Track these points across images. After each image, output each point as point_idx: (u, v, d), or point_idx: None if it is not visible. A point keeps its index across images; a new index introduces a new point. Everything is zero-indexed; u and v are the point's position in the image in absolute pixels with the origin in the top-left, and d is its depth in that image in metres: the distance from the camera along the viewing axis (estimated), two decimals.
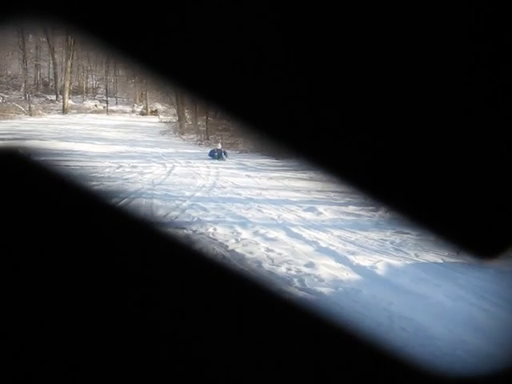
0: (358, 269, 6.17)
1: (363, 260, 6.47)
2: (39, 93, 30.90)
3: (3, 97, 28.39)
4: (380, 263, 6.34)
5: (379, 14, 0.59)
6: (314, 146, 0.61)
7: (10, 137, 19.38)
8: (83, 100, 31.88)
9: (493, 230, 0.64)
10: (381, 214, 9.00)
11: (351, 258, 6.56)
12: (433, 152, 0.61)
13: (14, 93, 29.46)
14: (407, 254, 6.79)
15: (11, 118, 25.06)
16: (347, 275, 5.98)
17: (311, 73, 0.59)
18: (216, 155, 15.73)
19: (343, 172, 0.62)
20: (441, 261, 6.45)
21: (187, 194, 10.93)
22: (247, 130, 0.62)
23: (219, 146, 16.38)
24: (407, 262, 6.46)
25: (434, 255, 6.64)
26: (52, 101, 30.38)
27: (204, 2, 0.58)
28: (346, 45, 0.59)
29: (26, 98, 28.69)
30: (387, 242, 7.38)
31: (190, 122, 24.80)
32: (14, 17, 0.57)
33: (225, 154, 15.81)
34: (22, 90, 29.78)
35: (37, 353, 0.57)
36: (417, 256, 6.67)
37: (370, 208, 9.32)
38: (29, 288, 0.57)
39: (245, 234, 7.73)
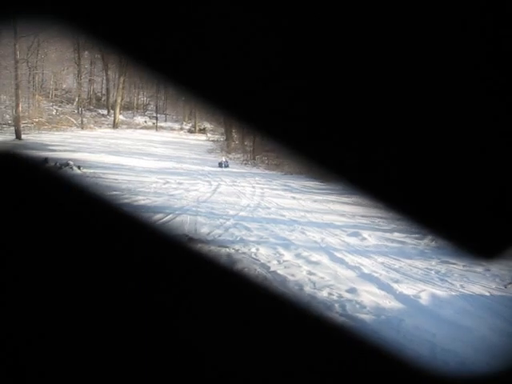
0: (401, 297, 6.06)
1: (407, 289, 6.36)
2: (91, 107, 31.61)
3: (57, 109, 29.16)
4: (424, 293, 6.21)
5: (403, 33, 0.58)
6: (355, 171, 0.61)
7: (61, 148, 19.84)
8: (133, 116, 32.48)
9: (492, 229, 0.63)
10: (426, 242, 8.86)
11: (394, 285, 6.46)
12: (434, 153, 0.61)
13: (68, 106, 30.23)
14: (452, 284, 6.65)
15: (63, 131, 25.70)
16: (390, 303, 5.88)
17: (353, 100, 0.59)
18: (223, 165, 20.73)
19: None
20: (487, 293, 6.29)
21: (231, 212, 10.99)
22: (288, 153, 0.62)
23: (224, 159, 21.53)
24: (452, 293, 6.32)
25: (480, 287, 6.49)
26: (103, 115, 31.04)
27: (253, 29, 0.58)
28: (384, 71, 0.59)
29: (78, 112, 29.39)
30: (432, 272, 7.24)
31: (237, 142, 25.00)
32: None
33: (226, 164, 21.02)
34: (75, 103, 30.54)
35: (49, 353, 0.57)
36: (462, 287, 6.52)
37: (416, 236, 9.19)
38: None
39: (287, 255, 7.71)
